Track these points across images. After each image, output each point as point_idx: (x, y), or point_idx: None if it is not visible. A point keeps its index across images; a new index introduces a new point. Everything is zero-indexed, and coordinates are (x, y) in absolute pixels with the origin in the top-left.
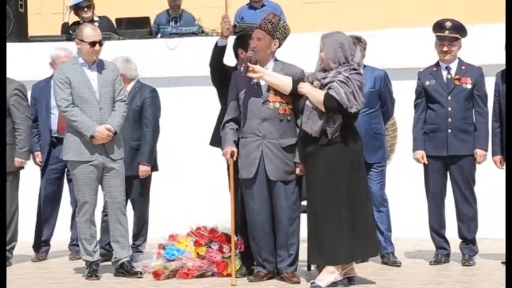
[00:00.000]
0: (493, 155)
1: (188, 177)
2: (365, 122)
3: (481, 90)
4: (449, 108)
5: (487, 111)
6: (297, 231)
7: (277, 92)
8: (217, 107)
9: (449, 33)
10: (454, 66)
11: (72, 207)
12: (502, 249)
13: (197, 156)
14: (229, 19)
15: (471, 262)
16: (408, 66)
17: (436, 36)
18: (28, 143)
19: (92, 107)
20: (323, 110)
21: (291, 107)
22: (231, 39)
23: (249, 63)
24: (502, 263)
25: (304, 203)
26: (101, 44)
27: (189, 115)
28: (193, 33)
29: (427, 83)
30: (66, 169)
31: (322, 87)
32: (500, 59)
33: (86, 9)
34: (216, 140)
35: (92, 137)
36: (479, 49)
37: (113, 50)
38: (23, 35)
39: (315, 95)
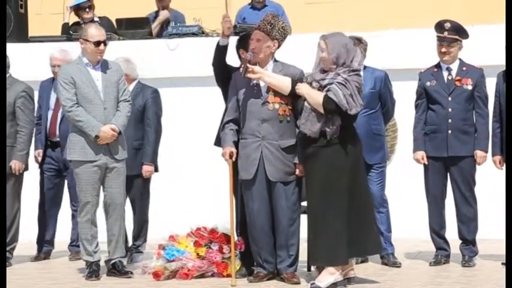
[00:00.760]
0: (493, 155)
1: (189, 178)
2: (365, 123)
3: (482, 91)
4: (450, 109)
5: (487, 112)
6: (297, 232)
7: (276, 93)
8: (217, 107)
9: (448, 34)
10: (454, 67)
11: (71, 208)
12: (501, 250)
13: (198, 157)
14: (230, 18)
15: (471, 263)
16: (408, 67)
17: (436, 36)
18: (28, 147)
19: (96, 107)
20: (322, 111)
21: (290, 107)
22: (233, 39)
23: (248, 64)
24: (502, 264)
25: (304, 203)
26: (105, 44)
27: (189, 115)
28: (194, 34)
29: (428, 83)
30: (66, 168)
31: (320, 88)
32: (501, 60)
33: (87, 9)
34: (221, 140)
35: (97, 137)
36: (480, 50)
37: (113, 51)
38: (23, 36)
39: (313, 96)
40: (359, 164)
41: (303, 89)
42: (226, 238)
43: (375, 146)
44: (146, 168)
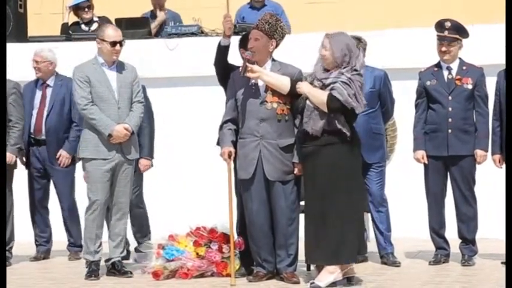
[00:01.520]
0: (493, 153)
1: (188, 178)
2: (364, 122)
3: (482, 90)
4: (450, 109)
5: (487, 111)
6: (296, 231)
7: (275, 92)
8: (217, 107)
9: (448, 33)
10: (455, 66)
11: (62, 211)
12: (501, 249)
13: (197, 157)
14: (231, 18)
15: (471, 262)
16: (408, 67)
17: (436, 35)
18: (20, 142)
19: (110, 106)
20: (325, 110)
21: (288, 107)
22: (233, 39)
23: (247, 63)
24: (502, 263)
25: (303, 203)
26: (121, 45)
27: (189, 115)
28: (193, 34)
29: (428, 83)
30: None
31: (323, 87)
32: (501, 59)
33: (86, 9)
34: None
35: (110, 135)
36: (480, 49)
37: None
38: (22, 35)
39: (316, 95)
40: (358, 163)
41: (304, 87)
42: (226, 238)
43: (374, 145)
44: (144, 163)
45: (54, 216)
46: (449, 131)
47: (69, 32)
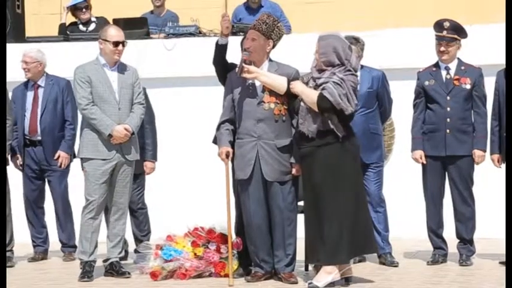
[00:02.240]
0: (491, 153)
1: (186, 178)
2: (362, 122)
3: (480, 90)
4: (448, 109)
5: (485, 111)
6: (294, 232)
7: (272, 93)
8: (215, 107)
9: (447, 33)
10: (453, 66)
11: (56, 211)
12: (499, 249)
13: (195, 157)
14: (229, 17)
15: (468, 262)
16: (406, 67)
17: (435, 35)
18: (11, 138)
19: (111, 106)
20: (316, 110)
21: (286, 107)
22: (232, 39)
23: (243, 64)
24: (500, 263)
25: (301, 203)
26: (123, 45)
27: (186, 115)
28: (191, 34)
29: (426, 83)
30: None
31: (316, 87)
32: (499, 59)
33: (83, 10)
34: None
35: (110, 136)
36: (478, 49)
37: None
38: (20, 36)
39: (308, 95)
40: (356, 163)
41: (298, 87)
42: (224, 238)
43: (372, 145)
44: (149, 165)
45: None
46: (448, 131)
47: (66, 33)
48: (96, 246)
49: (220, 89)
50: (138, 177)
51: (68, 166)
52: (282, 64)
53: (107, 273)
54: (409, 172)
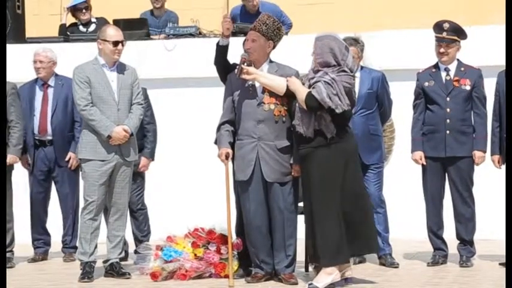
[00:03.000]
0: (492, 154)
1: (186, 179)
2: (362, 123)
3: (480, 91)
4: (448, 110)
5: (485, 112)
6: (295, 233)
7: (272, 94)
8: (215, 108)
9: (446, 34)
10: (453, 67)
11: (62, 212)
12: (499, 250)
13: (195, 158)
14: (230, 19)
15: (469, 263)
16: (406, 68)
17: (435, 37)
18: (21, 141)
19: (110, 107)
20: (305, 108)
21: (286, 108)
22: (234, 40)
23: (243, 65)
24: (500, 264)
25: (301, 204)
26: (123, 44)
27: (186, 116)
28: (191, 35)
29: (426, 84)
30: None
31: (309, 87)
32: (499, 60)
33: (84, 10)
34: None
35: (109, 137)
36: (478, 50)
37: None
38: (20, 36)
39: (299, 93)
40: (354, 162)
41: (293, 84)
42: (224, 239)
43: (372, 146)
44: (143, 162)
45: (53, 217)
46: (447, 132)
47: (67, 33)
48: (96, 247)
49: (221, 90)
50: (138, 177)
51: (77, 167)
52: (282, 65)
53: (107, 274)
54: (409, 173)
